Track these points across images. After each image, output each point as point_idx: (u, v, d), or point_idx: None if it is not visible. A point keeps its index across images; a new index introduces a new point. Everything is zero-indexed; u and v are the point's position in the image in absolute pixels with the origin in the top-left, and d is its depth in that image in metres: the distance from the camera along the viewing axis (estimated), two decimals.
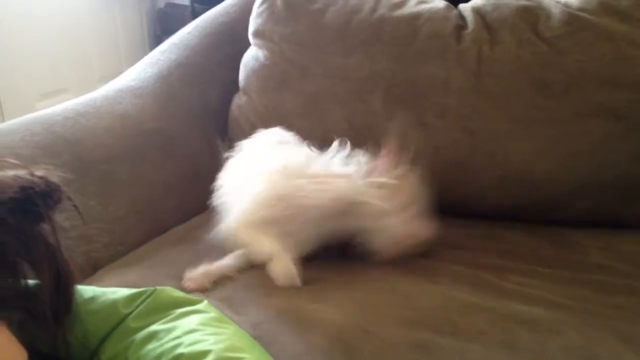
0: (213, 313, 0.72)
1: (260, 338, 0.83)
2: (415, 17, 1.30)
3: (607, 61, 1.17)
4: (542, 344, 0.84)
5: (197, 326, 0.68)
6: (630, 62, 1.17)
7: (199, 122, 1.46)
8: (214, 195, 1.17)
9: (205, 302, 0.74)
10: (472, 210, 1.24)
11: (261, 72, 1.41)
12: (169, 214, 1.30)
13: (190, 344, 0.64)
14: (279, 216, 1.03)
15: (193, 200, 1.35)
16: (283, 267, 1.01)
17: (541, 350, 0.83)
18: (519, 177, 1.21)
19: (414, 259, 1.08)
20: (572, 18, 1.21)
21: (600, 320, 0.91)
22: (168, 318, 0.70)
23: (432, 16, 1.30)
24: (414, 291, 1.00)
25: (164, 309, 0.72)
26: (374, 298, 0.98)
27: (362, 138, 1.28)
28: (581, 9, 1.21)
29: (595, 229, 1.19)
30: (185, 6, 3.11)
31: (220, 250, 1.08)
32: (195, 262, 1.07)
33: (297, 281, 1.00)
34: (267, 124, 1.38)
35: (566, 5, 1.24)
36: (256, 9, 1.44)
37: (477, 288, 0.99)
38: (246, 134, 1.42)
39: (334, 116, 1.34)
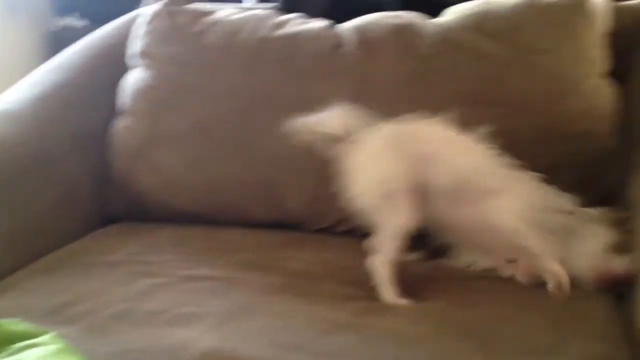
0: (58, 345, 0.72)
1: None
2: (295, 36, 1.36)
3: (477, 80, 1.25)
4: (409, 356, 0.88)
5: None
6: (497, 80, 1.25)
7: (80, 145, 1.44)
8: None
9: (51, 334, 0.73)
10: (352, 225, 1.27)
11: (147, 93, 1.42)
12: (44, 241, 1.27)
13: None
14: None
15: (71, 226, 1.35)
16: None
17: None
18: None
19: (290, 280, 1.10)
20: (445, 38, 1.28)
21: (460, 331, 0.94)
22: (6, 353, 0.70)
23: (312, 35, 1.36)
24: (290, 313, 1.01)
25: (2, 343, 0.71)
26: (248, 321, 0.99)
27: (251, 157, 1.35)
28: (454, 29, 1.29)
29: None
30: (80, 29, 3.08)
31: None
32: (60, 291, 1.06)
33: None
34: (151, 146, 1.40)
35: (440, 25, 1.31)
36: (142, 29, 1.46)
37: (349, 306, 1.01)
38: (130, 157, 1.42)
39: (223, 134, 1.36)
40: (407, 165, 1.08)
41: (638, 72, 1.37)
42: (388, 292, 1.04)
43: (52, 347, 0.71)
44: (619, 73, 1.35)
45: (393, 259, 1.05)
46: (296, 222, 1.34)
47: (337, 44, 1.33)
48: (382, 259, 1.05)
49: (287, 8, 1.56)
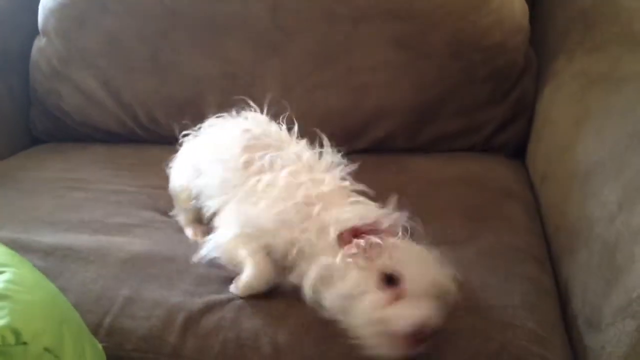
0: None
1: (52, 267, 0.96)
2: None
3: None
4: None
5: None
6: None
7: (2, 67, 1.50)
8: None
9: None
10: None
11: (60, 11, 1.46)
12: None
13: None
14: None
15: None
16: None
17: None
18: (312, 110, 1.36)
19: None
20: None
21: None
22: None
23: None
24: None
25: None
26: (173, 228, 1.12)
27: (169, 76, 1.42)
28: None
29: (389, 154, 1.38)
30: None
31: None
32: None
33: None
34: (68, 66, 1.47)
35: None
36: None
37: None
38: (47, 77, 1.48)
39: (138, 54, 1.43)
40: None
41: None
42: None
43: None
44: None
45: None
46: None
47: None
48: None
49: None
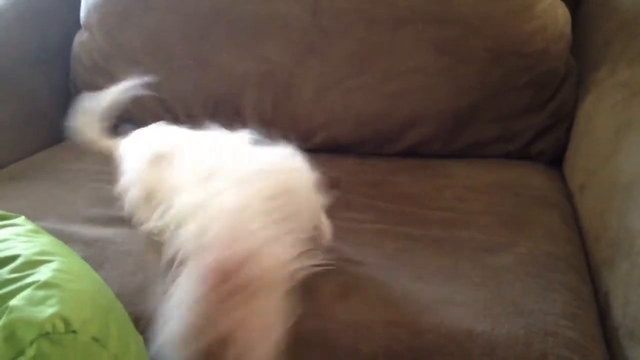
0: (30, 226, 0.83)
1: (92, 258, 0.95)
2: None
3: None
4: None
5: (10, 236, 0.78)
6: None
7: (38, 61, 1.52)
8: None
9: (23, 217, 0.85)
10: (310, 143, 1.38)
11: (102, 7, 1.49)
12: (7, 153, 1.39)
13: (0, 251, 0.74)
14: None
15: (30, 139, 1.46)
16: None
17: None
18: (348, 113, 1.38)
19: None
20: None
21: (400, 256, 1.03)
22: None
23: None
24: None
25: None
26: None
27: (208, 74, 1.43)
28: None
29: (424, 159, 1.38)
30: None
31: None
32: (28, 195, 1.18)
33: None
34: (109, 61, 1.49)
35: None
36: None
37: None
38: (88, 71, 1.51)
39: (179, 52, 1.45)
40: None
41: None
42: None
43: (25, 227, 0.82)
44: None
45: None
46: None
47: None
48: None
49: None
